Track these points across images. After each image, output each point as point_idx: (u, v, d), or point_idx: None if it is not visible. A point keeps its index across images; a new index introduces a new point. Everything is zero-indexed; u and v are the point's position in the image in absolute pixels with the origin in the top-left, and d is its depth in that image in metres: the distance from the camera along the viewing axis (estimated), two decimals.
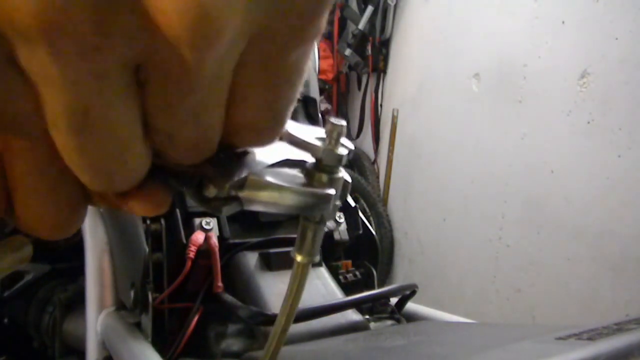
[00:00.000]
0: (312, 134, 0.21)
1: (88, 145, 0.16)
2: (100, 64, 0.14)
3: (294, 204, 0.20)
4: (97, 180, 0.17)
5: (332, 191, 0.20)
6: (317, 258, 0.23)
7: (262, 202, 0.20)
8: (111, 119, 0.16)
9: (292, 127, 0.21)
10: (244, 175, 0.19)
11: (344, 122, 0.21)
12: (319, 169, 0.21)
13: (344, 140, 0.21)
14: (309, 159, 0.21)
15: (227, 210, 0.20)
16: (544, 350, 0.35)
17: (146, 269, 0.63)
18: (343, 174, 0.21)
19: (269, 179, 0.20)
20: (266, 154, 0.21)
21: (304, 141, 0.21)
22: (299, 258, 0.23)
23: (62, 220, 0.19)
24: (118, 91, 0.15)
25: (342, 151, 0.21)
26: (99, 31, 0.13)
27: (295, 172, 0.21)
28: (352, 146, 0.21)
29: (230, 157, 0.20)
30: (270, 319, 0.55)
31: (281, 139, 0.21)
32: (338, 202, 0.22)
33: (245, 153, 0.20)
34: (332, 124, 0.21)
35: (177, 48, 0.14)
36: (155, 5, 0.13)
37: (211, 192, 0.19)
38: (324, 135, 0.21)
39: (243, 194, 0.19)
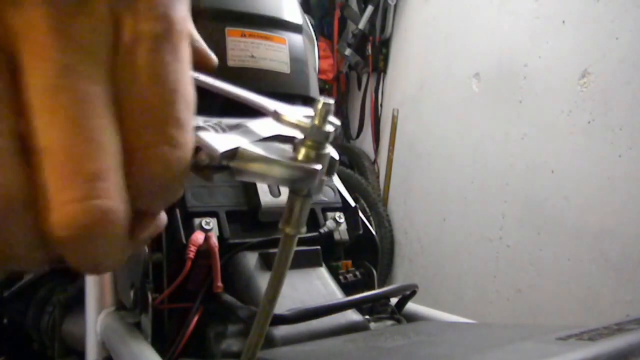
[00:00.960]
0: (301, 113, 0.22)
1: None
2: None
3: (281, 177, 0.21)
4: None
5: (318, 166, 0.21)
6: (304, 230, 0.24)
7: (251, 172, 0.21)
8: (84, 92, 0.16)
9: (281, 107, 0.22)
10: (235, 146, 0.20)
11: (332, 101, 0.22)
12: (307, 145, 0.21)
13: (331, 118, 0.22)
14: (299, 135, 0.22)
15: (218, 177, 0.21)
16: (544, 350, 0.35)
17: (146, 269, 0.63)
18: (330, 150, 0.22)
19: (259, 151, 0.21)
20: (259, 128, 0.22)
21: (292, 119, 0.22)
22: (286, 230, 0.23)
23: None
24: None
25: (329, 128, 0.22)
26: None
27: (285, 147, 0.22)
28: (338, 122, 0.22)
29: (223, 128, 0.21)
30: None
31: (265, 115, 0.22)
32: (325, 177, 0.23)
33: (239, 125, 0.22)
34: (322, 102, 0.21)
35: None
36: None
37: (203, 160, 0.20)
38: (311, 114, 0.22)
39: (234, 164, 0.20)
